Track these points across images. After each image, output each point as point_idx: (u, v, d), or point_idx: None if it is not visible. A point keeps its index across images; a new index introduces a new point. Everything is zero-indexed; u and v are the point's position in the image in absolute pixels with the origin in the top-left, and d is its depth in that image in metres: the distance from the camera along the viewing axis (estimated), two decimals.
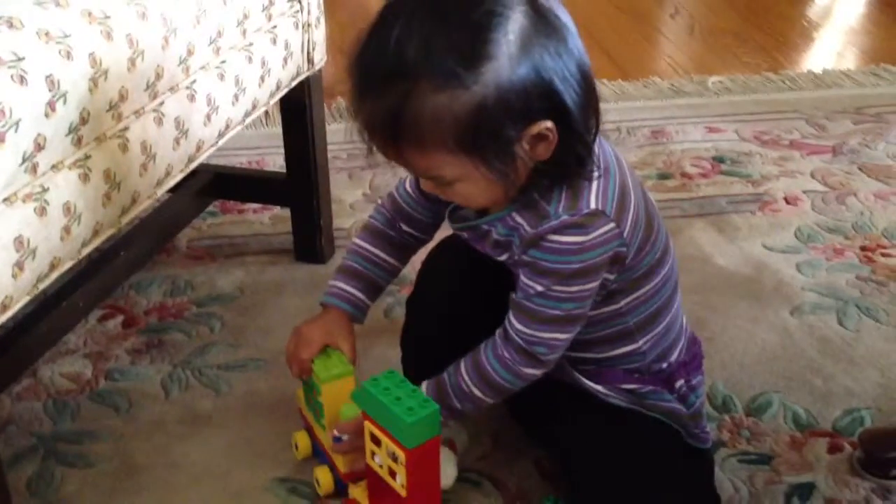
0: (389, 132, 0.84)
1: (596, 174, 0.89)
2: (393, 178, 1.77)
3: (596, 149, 0.90)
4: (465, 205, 0.94)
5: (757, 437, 1.16)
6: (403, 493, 0.96)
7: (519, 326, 0.95)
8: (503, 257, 0.96)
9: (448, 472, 1.08)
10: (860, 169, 1.80)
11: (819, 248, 1.55)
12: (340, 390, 1.06)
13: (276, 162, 1.85)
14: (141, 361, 1.34)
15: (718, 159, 1.86)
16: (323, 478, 1.09)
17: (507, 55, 0.81)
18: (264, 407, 1.24)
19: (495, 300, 0.99)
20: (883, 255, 1.53)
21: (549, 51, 0.82)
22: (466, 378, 0.98)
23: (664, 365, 1.02)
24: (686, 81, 2.22)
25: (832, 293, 1.43)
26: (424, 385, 1.00)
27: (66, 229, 0.95)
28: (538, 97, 0.82)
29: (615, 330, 0.99)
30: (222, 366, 1.32)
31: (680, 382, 1.02)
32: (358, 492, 1.05)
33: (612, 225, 0.89)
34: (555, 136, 0.84)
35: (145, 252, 1.43)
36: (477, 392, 0.98)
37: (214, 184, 1.56)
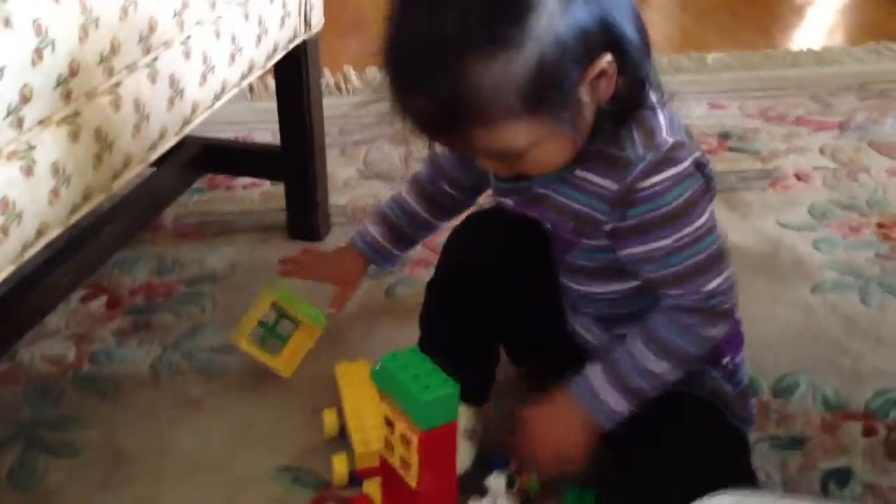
0: (449, 120, 0.76)
1: (663, 104, 0.84)
2: (389, 152, 1.71)
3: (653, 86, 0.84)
4: (540, 172, 0.85)
5: (786, 420, 1.11)
6: (413, 483, 0.89)
7: (680, 294, 0.87)
8: (572, 226, 0.88)
9: (463, 461, 1.01)
10: (869, 145, 1.75)
11: (835, 226, 1.50)
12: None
13: (264, 138, 1.77)
14: (127, 344, 1.25)
15: (724, 135, 1.80)
16: (339, 466, 1.01)
17: (550, 1, 0.74)
18: (261, 390, 1.16)
19: (529, 283, 0.93)
20: None
21: None
22: (646, 352, 0.89)
23: None
24: (684, 58, 2.16)
25: (852, 271, 1.38)
26: (588, 369, 0.91)
27: (55, 192, 0.87)
28: (595, 32, 0.76)
29: None
30: (215, 348, 1.24)
31: (726, 359, 0.96)
32: (372, 488, 0.97)
33: (695, 153, 0.85)
34: (614, 69, 0.78)
35: (130, 228, 1.34)
36: (664, 364, 0.89)
37: (203, 156, 1.47)
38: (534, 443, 0.91)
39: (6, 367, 1.20)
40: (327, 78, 2.00)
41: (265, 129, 1.78)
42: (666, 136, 0.83)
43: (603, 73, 0.78)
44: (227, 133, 1.78)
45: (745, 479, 0.93)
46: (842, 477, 1.03)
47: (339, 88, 2.01)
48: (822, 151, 1.73)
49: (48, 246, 0.95)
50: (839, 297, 1.32)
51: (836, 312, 1.29)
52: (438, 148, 0.99)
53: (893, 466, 1.04)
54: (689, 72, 2.09)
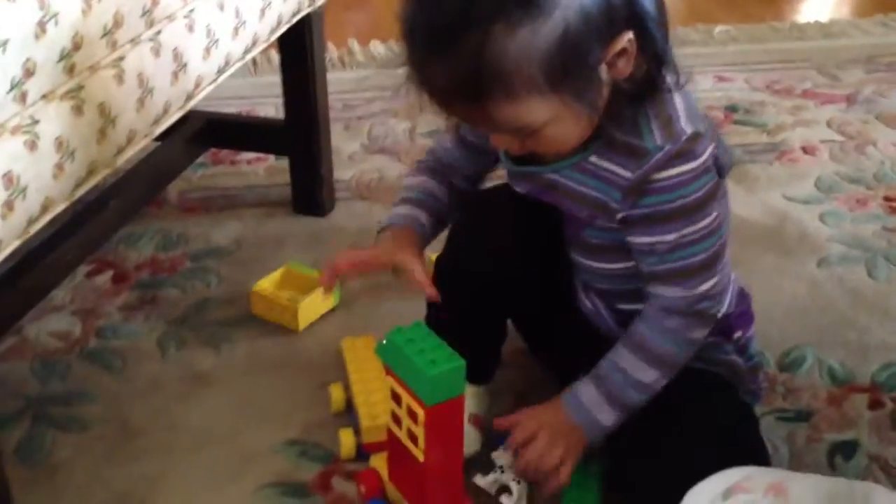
0: (472, 91, 0.75)
1: (674, 84, 0.81)
2: (394, 127, 1.70)
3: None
4: (552, 150, 0.84)
5: (793, 394, 1.11)
6: (421, 456, 0.89)
7: (672, 293, 0.87)
8: (595, 219, 0.87)
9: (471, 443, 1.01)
10: (876, 118, 1.74)
11: (841, 199, 1.49)
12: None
13: (267, 112, 1.76)
14: (134, 319, 1.25)
15: (731, 108, 1.79)
16: (346, 440, 1.02)
17: None
18: (268, 364, 1.16)
19: (541, 260, 0.92)
20: None
21: None
22: (636, 362, 0.88)
23: (719, 314, 0.94)
24: (691, 30, 2.14)
25: (859, 244, 1.38)
26: (579, 387, 0.91)
27: (59, 166, 0.86)
28: (619, 6, 0.75)
29: None
30: (221, 322, 1.24)
31: (738, 333, 0.96)
32: (379, 462, 0.98)
33: (712, 146, 0.83)
34: (634, 47, 0.77)
35: (135, 203, 1.33)
36: (654, 372, 0.88)
37: (207, 131, 1.46)
38: (522, 454, 0.91)
39: (13, 343, 1.20)
40: (331, 52, 1.99)
41: (269, 104, 1.78)
42: (684, 126, 0.81)
43: (623, 50, 0.76)
44: (230, 108, 1.77)
45: (756, 453, 0.93)
46: (848, 449, 1.03)
47: (343, 62, 1.99)
48: (829, 124, 1.72)
49: (53, 221, 0.95)
50: (846, 270, 1.32)
51: (843, 286, 1.29)
52: (440, 144, 0.99)
53: None
54: (695, 45, 2.08)
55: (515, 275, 0.95)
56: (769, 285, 1.27)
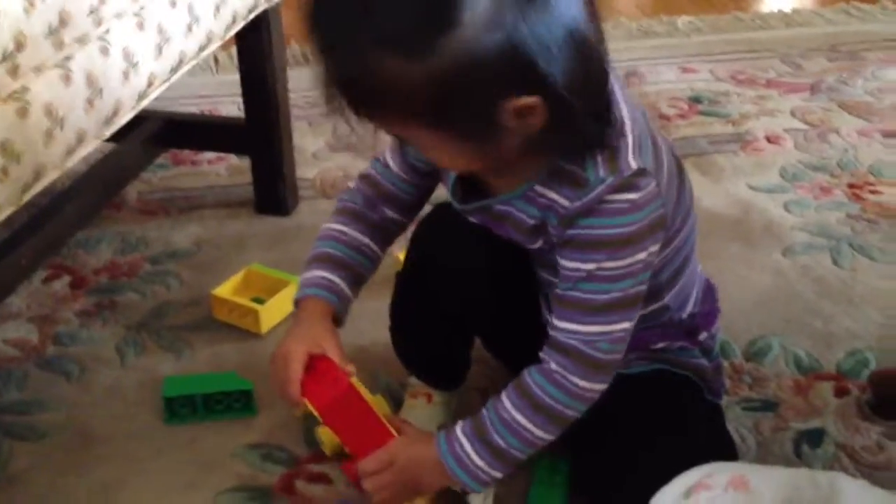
0: (349, 97, 0.74)
1: (625, 125, 0.78)
2: (358, 124, 1.68)
3: (612, 94, 0.79)
4: (451, 169, 0.83)
5: (759, 383, 1.10)
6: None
7: (567, 325, 0.81)
8: (537, 244, 0.84)
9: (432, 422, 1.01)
10: (840, 106, 1.75)
11: (805, 187, 1.50)
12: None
13: (230, 111, 1.74)
14: (92, 324, 1.23)
15: (695, 99, 1.79)
16: (327, 437, 1.00)
17: (474, 23, 0.68)
18: (231, 367, 1.14)
19: (506, 271, 0.89)
20: (871, 192, 1.48)
21: (528, 17, 0.69)
22: (509, 404, 0.83)
23: (684, 315, 0.94)
24: (655, 22, 2.14)
25: (823, 232, 1.38)
26: (460, 423, 0.87)
27: (3, 170, 0.84)
28: (512, 71, 0.70)
29: (648, 289, 0.85)
30: (182, 327, 1.22)
31: (704, 335, 0.95)
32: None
33: (653, 183, 0.79)
34: (543, 108, 0.72)
35: (91, 206, 1.31)
36: (522, 420, 0.83)
37: (165, 131, 1.44)
38: (387, 483, 0.88)
39: None
40: (293, 48, 1.96)
41: (231, 103, 1.75)
42: (630, 160, 0.77)
43: (528, 109, 0.72)
44: (192, 107, 1.75)
45: (723, 450, 0.93)
46: (814, 437, 1.03)
47: (305, 58, 1.97)
48: (792, 113, 1.73)
49: (6, 226, 0.93)
50: (810, 258, 1.32)
51: (808, 274, 1.29)
52: (380, 162, 0.95)
53: (865, 426, 1.04)
54: (660, 36, 2.08)
55: (475, 291, 0.92)
56: (734, 275, 1.27)
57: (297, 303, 0.93)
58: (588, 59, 0.73)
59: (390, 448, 0.88)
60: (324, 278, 0.91)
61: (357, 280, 0.94)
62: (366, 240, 0.94)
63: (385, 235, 0.96)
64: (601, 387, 0.83)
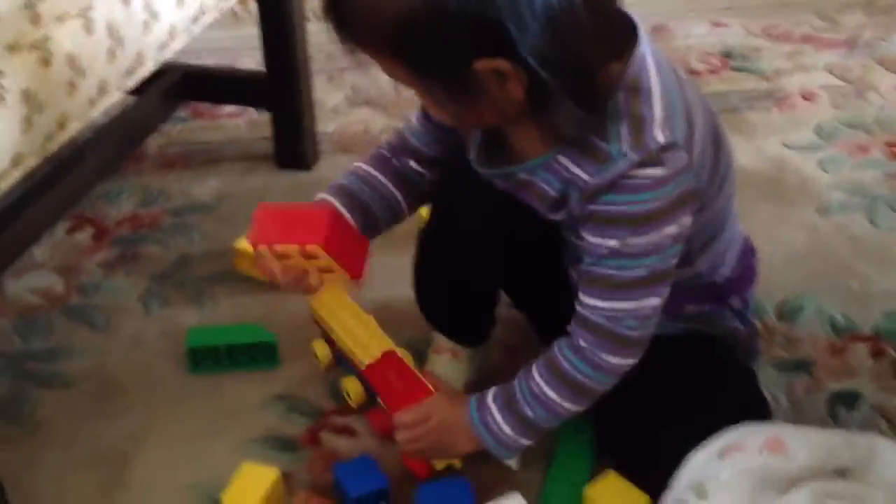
0: (334, 21, 0.73)
1: (653, 93, 0.75)
2: (378, 78, 1.65)
3: (642, 59, 0.75)
4: (452, 125, 0.81)
5: (793, 343, 1.08)
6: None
7: (594, 301, 0.79)
8: (558, 216, 0.82)
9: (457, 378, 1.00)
10: (877, 62, 1.70)
11: (841, 145, 1.46)
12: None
13: (249, 65, 1.70)
14: (115, 275, 1.22)
15: (726, 55, 1.74)
16: (353, 388, 1.00)
17: None
18: (253, 319, 1.13)
19: (536, 231, 0.87)
20: None
21: None
22: (539, 378, 0.82)
23: (717, 278, 0.91)
24: None
25: (859, 191, 1.34)
26: (491, 392, 0.86)
27: (28, 120, 0.82)
28: (480, 29, 0.67)
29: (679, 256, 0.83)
30: (204, 278, 1.21)
31: (735, 299, 0.92)
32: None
33: (684, 155, 0.75)
34: (517, 77, 0.70)
35: (112, 157, 1.29)
36: (552, 393, 0.82)
37: (184, 84, 1.41)
38: (420, 437, 0.87)
39: None
40: (313, 1, 1.92)
41: (251, 56, 1.71)
42: (657, 133, 0.74)
43: (501, 72, 0.70)
44: (212, 60, 1.72)
45: (758, 411, 0.91)
46: (849, 399, 1.01)
47: None
48: (828, 70, 1.68)
49: (29, 177, 0.91)
50: (846, 217, 1.29)
51: (843, 233, 1.26)
52: (405, 126, 0.94)
53: None
54: None
55: (499, 248, 0.90)
56: (768, 234, 1.24)
57: None
58: (571, 40, 0.69)
59: (428, 404, 0.87)
60: (327, 201, 0.90)
61: (365, 213, 0.91)
62: (384, 179, 0.92)
63: (408, 183, 0.93)
64: (631, 361, 0.82)
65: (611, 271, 0.78)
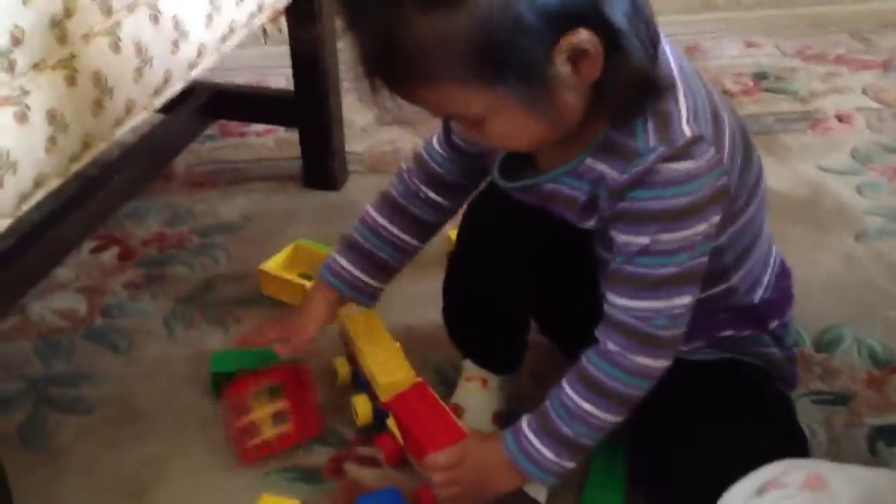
0: (389, 68, 0.69)
1: (673, 87, 0.74)
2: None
3: (664, 56, 0.75)
4: (511, 147, 0.78)
5: (830, 375, 1.05)
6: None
7: (624, 302, 0.78)
8: (590, 223, 0.80)
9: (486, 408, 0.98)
10: None
11: (879, 169, 1.42)
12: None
13: (278, 83, 1.70)
14: (140, 297, 1.21)
15: (760, 76, 1.71)
16: (361, 408, 0.98)
17: None
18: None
19: (568, 254, 0.85)
20: None
21: None
22: (571, 392, 0.80)
23: (755, 300, 0.89)
24: None
25: None
26: (525, 419, 0.84)
27: (52, 140, 0.81)
28: (560, 3, 0.65)
29: (711, 269, 0.81)
30: (230, 300, 1.20)
31: (775, 322, 0.90)
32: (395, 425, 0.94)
33: (713, 151, 0.74)
34: (598, 48, 0.68)
35: (140, 177, 1.29)
36: (588, 406, 0.79)
37: (214, 102, 1.41)
38: (458, 479, 0.85)
39: (15, 322, 1.16)
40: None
41: (280, 75, 1.71)
42: (684, 127, 0.73)
43: (581, 51, 0.68)
44: (240, 78, 1.72)
45: (795, 443, 0.88)
46: (890, 434, 0.97)
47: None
48: (864, 91, 1.65)
49: (55, 196, 0.91)
50: (885, 244, 1.25)
51: (882, 260, 1.22)
52: (429, 143, 0.92)
53: None
54: (722, 9, 1.99)
55: (530, 271, 0.88)
56: (804, 260, 1.21)
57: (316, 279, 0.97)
58: (643, 3, 0.71)
59: (463, 445, 0.85)
60: (338, 265, 0.95)
61: (381, 267, 0.95)
62: (398, 232, 0.93)
63: (423, 226, 0.94)
64: (664, 363, 0.79)
65: (641, 269, 0.76)
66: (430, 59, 0.67)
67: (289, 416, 0.97)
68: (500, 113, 0.71)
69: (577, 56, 0.68)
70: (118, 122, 0.91)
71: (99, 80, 0.86)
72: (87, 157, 0.87)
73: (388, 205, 0.94)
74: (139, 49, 0.91)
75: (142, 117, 0.95)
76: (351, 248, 0.95)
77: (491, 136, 0.75)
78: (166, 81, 0.97)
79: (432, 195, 0.92)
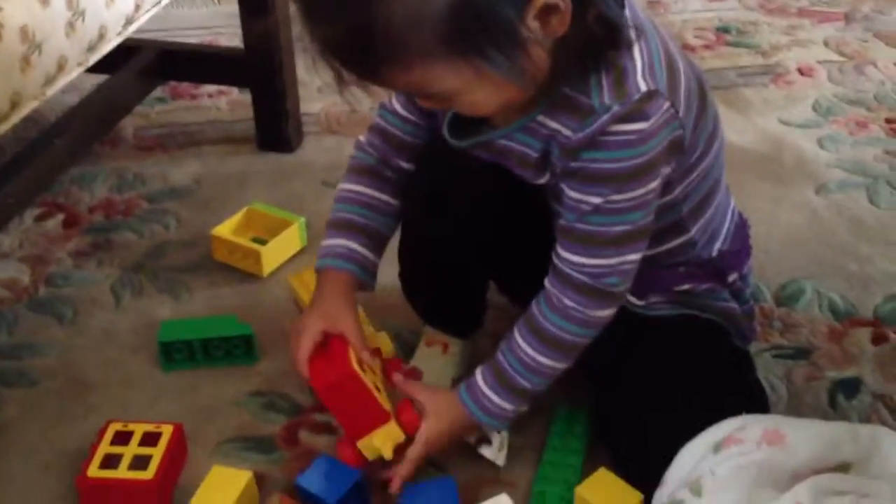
0: (359, 54, 0.66)
1: (634, 41, 0.72)
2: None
3: (626, 25, 0.72)
4: (480, 114, 0.75)
5: (791, 329, 1.04)
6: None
7: (576, 259, 0.77)
8: (543, 179, 0.78)
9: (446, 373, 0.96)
10: (876, 37, 1.66)
11: (840, 122, 1.41)
12: None
13: (231, 44, 1.65)
14: (86, 265, 1.17)
15: (723, 29, 1.70)
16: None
17: None
18: (229, 312, 1.08)
19: (523, 209, 0.83)
20: None
21: None
22: (526, 347, 0.81)
23: (714, 253, 0.87)
24: None
25: (859, 169, 1.30)
26: (479, 372, 0.84)
27: None
28: None
29: (668, 222, 0.82)
30: (180, 268, 1.16)
31: (733, 276, 0.88)
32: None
33: (667, 105, 0.73)
34: (567, 2, 0.66)
35: (84, 140, 1.24)
36: (545, 360, 0.81)
37: (161, 63, 1.36)
38: (426, 443, 0.85)
39: None
40: None
41: (234, 35, 1.67)
42: (639, 82, 0.72)
43: (551, 7, 0.66)
44: (193, 39, 1.67)
45: (755, 399, 0.87)
46: (850, 387, 0.96)
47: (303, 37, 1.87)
48: (826, 44, 1.64)
49: None
50: (846, 197, 1.25)
51: (843, 214, 1.21)
52: (387, 109, 0.88)
53: None
54: None
55: (484, 230, 0.86)
56: (765, 214, 1.20)
57: (318, 272, 0.89)
58: None
59: (421, 438, 0.85)
60: (344, 247, 0.88)
61: (380, 241, 0.90)
62: (385, 196, 0.89)
63: (403, 188, 0.90)
64: (613, 311, 0.81)
65: (593, 227, 0.76)
66: (405, 40, 0.65)
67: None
68: (473, 86, 0.69)
69: (548, 12, 0.66)
70: (49, 80, 0.87)
71: (26, 35, 0.82)
72: (16, 117, 0.84)
73: (367, 174, 0.89)
74: (70, 2, 0.87)
75: (75, 74, 0.91)
76: (345, 226, 0.88)
77: (462, 106, 0.73)
78: (101, 37, 0.93)
79: (403, 164, 0.89)
